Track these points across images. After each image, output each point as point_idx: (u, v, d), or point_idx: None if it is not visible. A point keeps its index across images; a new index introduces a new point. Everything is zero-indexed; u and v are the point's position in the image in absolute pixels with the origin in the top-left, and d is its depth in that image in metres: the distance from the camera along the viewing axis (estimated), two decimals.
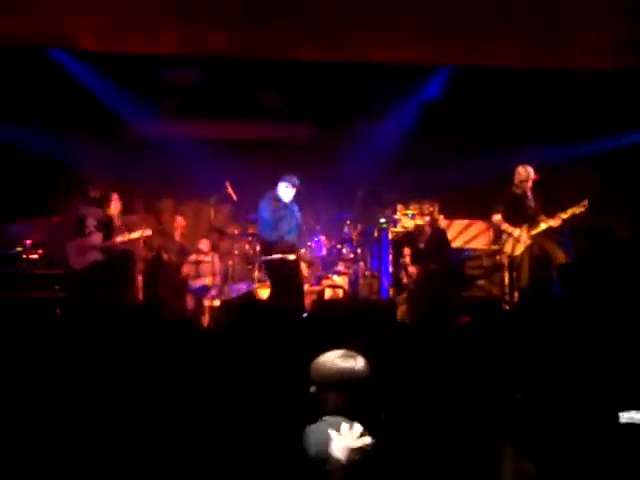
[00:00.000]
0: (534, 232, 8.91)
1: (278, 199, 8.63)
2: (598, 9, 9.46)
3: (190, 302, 10.13)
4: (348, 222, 10.32)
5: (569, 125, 10.50)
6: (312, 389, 3.40)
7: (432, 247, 9.83)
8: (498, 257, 9.56)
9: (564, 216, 8.82)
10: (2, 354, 4.90)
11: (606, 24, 9.49)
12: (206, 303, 9.74)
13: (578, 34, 9.60)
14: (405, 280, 9.86)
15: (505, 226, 9.06)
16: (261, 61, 9.82)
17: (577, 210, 8.79)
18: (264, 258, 8.71)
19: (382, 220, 10.45)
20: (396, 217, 10.50)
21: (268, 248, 8.60)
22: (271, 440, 3.39)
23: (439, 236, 9.96)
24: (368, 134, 10.82)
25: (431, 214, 10.45)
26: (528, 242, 8.92)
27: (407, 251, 9.90)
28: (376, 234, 10.49)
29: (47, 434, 3.80)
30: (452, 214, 10.72)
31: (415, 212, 10.61)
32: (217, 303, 9.27)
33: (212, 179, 9.90)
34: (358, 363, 3.38)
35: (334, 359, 3.39)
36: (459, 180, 10.43)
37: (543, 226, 8.88)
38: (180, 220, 10.96)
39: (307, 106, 10.77)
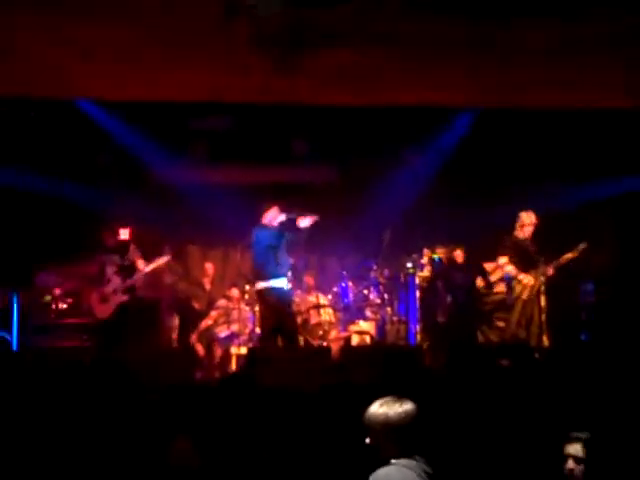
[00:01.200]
0: (542, 276, 8.92)
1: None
2: None
3: (217, 350, 10.10)
4: (374, 267, 10.30)
5: (588, 167, 10.48)
6: (368, 440, 3.52)
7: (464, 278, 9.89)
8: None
9: (560, 263, 8.82)
10: (32, 406, 4.93)
11: None
12: (233, 351, 9.70)
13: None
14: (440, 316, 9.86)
15: (510, 268, 9.07)
16: (287, 107, 9.87)
17: (572, 255, 8.77)
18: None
19: (409, 265, 10.39)
20: (423, 262, 10.44)
21: None
22: None
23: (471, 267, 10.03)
24: (393, 178, 10.84)
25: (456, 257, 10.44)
26: (536, 287, 8.94)
27: (440, 283, 9.93)
28: (403, 279, 10.42)
29: None
30: (479, 258, 10.66)
31: (442, 256, 10.56)
32: (244, 351, 9.24)
33: (239, 225, 9.94)
34: (411, 406, 3.51)
35: (389, 405, 3.51)
36: (484, 223, 10.40)
37: (550, 271, 8.92)
38: (209, 268, 10.97)
39: (333, 151, 10.83)
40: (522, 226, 9.10)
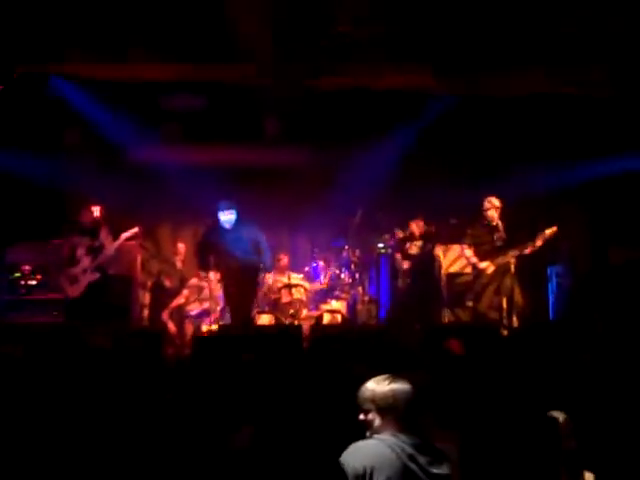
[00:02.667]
0: (502, 262, 8.98)
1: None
2: None
3: (189, 327, 10.13)
4: (346, 247, 10.34)
5: (559, 150, 10.55)
6: (361, 417, 3.61)
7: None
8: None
9: (537, 243, 8.87)
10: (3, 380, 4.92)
11: None
12: (204, 328, 9.72)
13: None
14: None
15: (474, 259, 9.17)
16: (262, 87, 9.86)
17: (548, 234, 8.83)
18: None
19: (380, 245, 10.47)
20: (393, 242, 10.51)
21: None
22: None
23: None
24: (365, 159, 10.86)
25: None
26: (492, 273, 9.00)
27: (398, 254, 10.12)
28: (374, 259, 10.50)
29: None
30: (448, 240, 10.74)
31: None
32: (215, 328, 9.27)
33: (210, 204, 9.93)
34: (400, 385, 3.61)
35: (377, 382, 3.62)
36: (454, 206, 10.48)
37: (510, 256, 8.94)
38: (181, 247, 10.98)
39: (305, 131, 10.83)
40: (486, 210, 9.14)
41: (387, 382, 3.61)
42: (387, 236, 10.59)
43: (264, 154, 11.14)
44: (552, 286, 10.37)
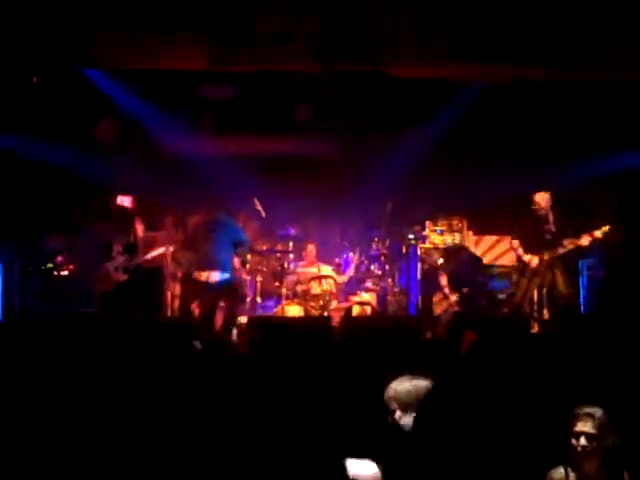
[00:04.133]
0: (551, 256, 8.84)
1: None
2: None
3: (219, 318, 10.14)
4: (376, 239, 10.31)
5: (593, 142, 10.44)
6: (390, 418, 3.65)
7: (466, 271, 9.86)
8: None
9: (596, 234, 8.72)
10: (35, 370, 4.97)
11: None
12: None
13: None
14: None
15: (521, 251, 9.01)
16: (293, 74, 9.85)
17: (600, 233, 8.72)
18: None
19: (410, 236, 10.41)
20: (425, 234, 10.46)
21: None
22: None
23: (472, 260, 10.03)
24: (396, 150, 10.83)
25: (460, 230, 10.47)
26: (543, 269, 8.87)
27: (444, 280, 9.90)
28: (404, 250, 10.45)
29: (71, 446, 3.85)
30: (481, 230, 10.70)
31: (444, 228, 10.59)
32: (244, 320, 9.28)
33: (241, 195, 9.95)
34: (422, 382, 3.66)
35: (406, 380, 3.68)
36: (487, 196, 10.42)
37: (562, 250, 8.82)
38: None
39: (336, 121, 10.80)
40: (536, 205, 8.99)
41: (407, 380, 3.66)
42: (418, 227, 10.54)
43: (295, 144, 11.14)
44: (583, 280, 10.28)
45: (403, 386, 3.63)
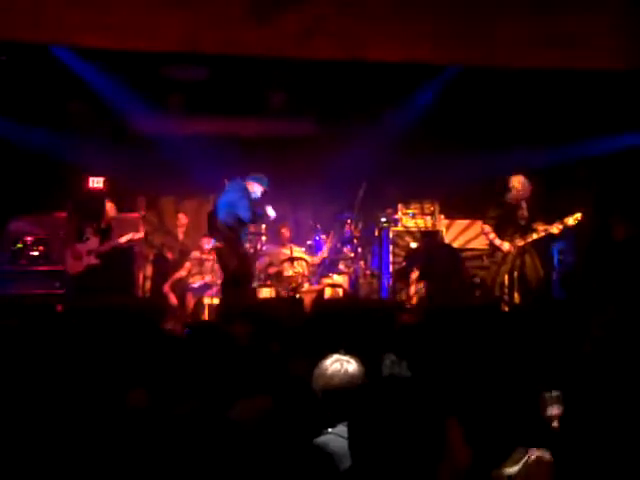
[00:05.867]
0: (524, 242, 8.87)
1: None
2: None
3: (190, 300, 10.15)
4: (349, 221, 10.31)
5: (567, 127, 10.48)
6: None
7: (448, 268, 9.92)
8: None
9: (568, 222, 8.73)
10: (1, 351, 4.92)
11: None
12: (206, 301, 9.74)
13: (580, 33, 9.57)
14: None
15: (492, 236, 9.01)
16: (267, 58, 9.78)
17: (572, 220, 8.73)
18: None
19: (383, 219, 10.44)
20: (397, 217, 10.48)
21: None
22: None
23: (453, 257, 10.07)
24: (370, 133, 10.81)
25: (432, 213, 10.50)
26: (514, 254, 8.88)
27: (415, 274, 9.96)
28: (377, 233, 10.47)
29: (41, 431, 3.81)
30: (452, 214, 10.74)
31: (416, 211, 10.61)
32: (216, 301, 9.28)
33: (213, 176, 9.90)
34: (351, 367, 3.42)
35: (329, 365, 3.44)
36: (459, 180, 10.45)
37: (535, 236, 8.84)
38: (182, 218, 10.99)
39: (310, 104, 10.77)
40: (511, 190, 8.97)
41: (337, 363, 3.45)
42: (390, 210, 10.56)
43: (268, 125, 11.09)
44: (554, 263, 10.35)
45: (322, 370, 3.41)
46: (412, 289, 9.92)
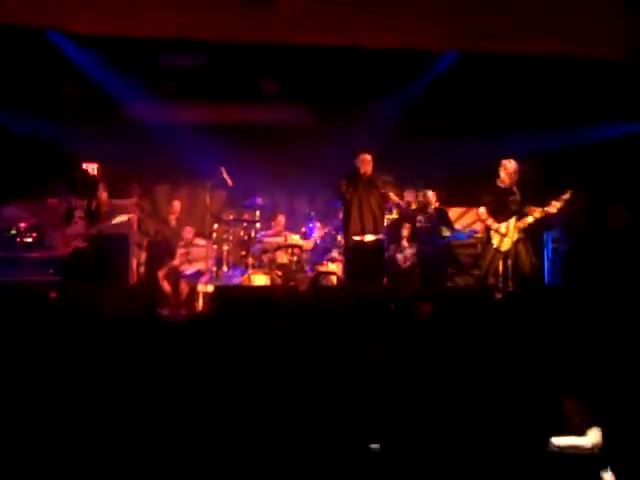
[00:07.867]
0: (523, 225, 8.87)
1: None
2: None
3: (184, 287, 10.14)
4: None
5: (562, 113, 10.48)
6: None
7: (431, 226, 9.95)
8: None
9: (564, 198, 8.68)
10: None
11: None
12: (199, 288, 9.74)
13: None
14: (401, 261, 9.99)
15: (490, 221, 9.01)
16: (259, 46, 9.75)
17: (567, 196, 8.69)
18: None
19: None
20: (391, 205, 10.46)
21: None
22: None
23: (440, 215, 10.08)
24: (364, 120, 10.79)
25: (427, 201, 10.50)
26: (516, 236, 8.87)
27: (406, 230, 10.00)
28: None
29: (33, 417, 3.80)
30: (447, 202, 10.73)
31: (410, 199, 10.60)
32: (210, 289, 9.27)
33: (209, 164, 9.88)
34: None
35: None
36: (454, 167, 10.45)
37: (530, 219, 8.81)
38: (176, 204, 10.96)
39: (304, 91, 10.74)
40: (503, 174, 8.96)
41: None
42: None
43: (262, 113, 11.06)
44: (548, 252, 10.36)
45: None
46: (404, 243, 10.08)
